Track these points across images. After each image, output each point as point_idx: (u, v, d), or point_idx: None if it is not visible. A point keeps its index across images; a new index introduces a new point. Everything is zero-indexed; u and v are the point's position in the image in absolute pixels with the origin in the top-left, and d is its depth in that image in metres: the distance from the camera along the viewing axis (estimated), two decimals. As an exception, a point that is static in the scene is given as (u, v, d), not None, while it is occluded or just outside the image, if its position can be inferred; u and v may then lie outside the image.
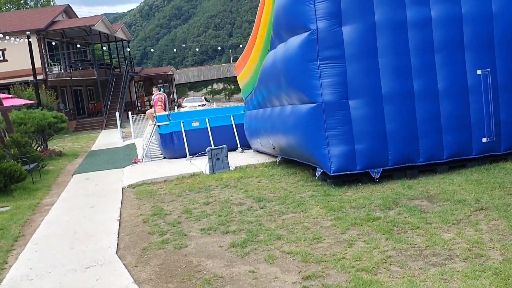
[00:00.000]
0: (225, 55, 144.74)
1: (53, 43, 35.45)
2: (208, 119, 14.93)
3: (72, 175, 14.34)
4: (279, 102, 10.68)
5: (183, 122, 14.78)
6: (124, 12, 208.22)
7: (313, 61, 8.87)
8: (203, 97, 42.17)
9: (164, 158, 15.36)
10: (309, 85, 8.98)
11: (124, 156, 17.48)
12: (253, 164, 12.37)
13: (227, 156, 11.96)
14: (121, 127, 27.70)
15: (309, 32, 8.86)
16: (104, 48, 43.63)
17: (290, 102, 10.01)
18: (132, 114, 26.43)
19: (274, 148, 11.52)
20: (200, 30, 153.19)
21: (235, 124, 15.01)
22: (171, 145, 14.82)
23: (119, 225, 8.27)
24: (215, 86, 58.47)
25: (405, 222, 6.62)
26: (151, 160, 15.19)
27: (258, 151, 14.03)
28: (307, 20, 8.86)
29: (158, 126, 14.99)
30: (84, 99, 42.36)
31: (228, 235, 6.97)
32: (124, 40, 45.89)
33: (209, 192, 9.94)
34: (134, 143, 21.71)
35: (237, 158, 13.40)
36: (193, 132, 14.82)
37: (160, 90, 16.24)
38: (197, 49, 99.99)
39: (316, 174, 9.38)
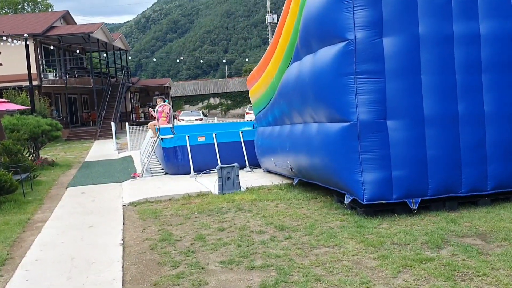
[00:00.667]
0: (220, 70, 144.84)
1: (51, 47, 34.40)
2: (215, 134, 13.93)
3: (66, 188, 13.25)
4: (302, 119, 9.70)
5: (188, 136, 13.77)
6: (120, 23, 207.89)
7: (348, 75, 7.91)
8: (200, 111, 41.13)
9: (166, 173, 14.31)
10: (343, 101, 8.01)
11: (121, 169, 16.41)
12: (266, 186, 11.35)
13: (238, 175, 10.95)
14: (116, 138, 26.67)
15: (345, 42, 7.91)
16: (103, 55, 42.63)
17: (316, 119, 9.03)
18: (129, 125, 25.34)
19: (291, 170, 10.51)
20: (195, 44, 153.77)
21: (244, 141, 14.01)
22: (175, 160, 13.79)
23: (123, 250, 7.21)
24: (211, 100, 57.48)
25: (466, 266, 5.62)
26: (152, 176, 14.13)
27: (269, 171, 13.03)
28: (344, 29, 7.92)
29: (162, 139, 13.96)
30: (78, 107, 41.23)
31: (255, 272, 5.93)
32: (122, 49, 44.89)
33: (222, 215, 8.90)
34: (130, 156, 20.65)
35: (247, 178, 12.37)
36: (198, 148, 13.81)
37: (164, 101, 15.20)
38: (201, 61, 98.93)
39: (345, 202, 8.36)
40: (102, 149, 25.95)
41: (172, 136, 13.82)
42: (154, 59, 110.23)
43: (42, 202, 11.44)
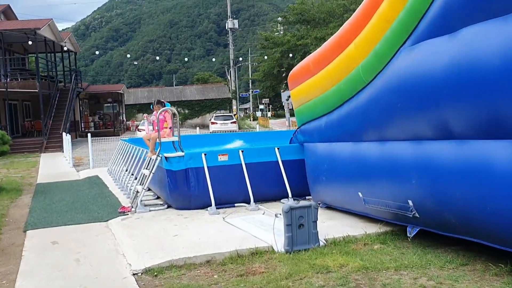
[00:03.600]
0: (163, 80, 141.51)
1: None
2: (242, 152, 9.82)
3: (25, 232, 8.84)
4: (460, 131, 5.72)
5: (205, 155, 9.61)
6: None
7: None
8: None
9: (168, 207, 10.08)
10: None
11: (95, 197, 11.99)
12: (354, 236, 7.26)
13: (316, 221, 6.89)
14: (70, 152, 22.09)
15: None
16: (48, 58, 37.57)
17: None
18: (79, 136, 20.79)
19: (412, 214, 6.51)
20: (138, 54, 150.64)
21: (282, 161, 9.98)
22: (185, 189, 9.56)
23: None
24: (167, 109, 52.90)
25: None
26: (150, 211, 9.84)
27: (328, 206, 9.03)
28: None
29: (166, 158, 9.74)
30: (19, 115, 35.98)
31: None
32: (72, 51, 39.89)
33: (340, 308, 4.84)
34: (97, 176, 16.17)
35: (304, 218, 8.28)
36: (217, 170, 9.68)
37: (167, 106, 10.84)
38: (173, 62, 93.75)
39: None
40: (54, 166, 21.31)
41: (182, 154, 9.61)
42: (128, 62, 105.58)
43: (-10, 263, 7.05)
